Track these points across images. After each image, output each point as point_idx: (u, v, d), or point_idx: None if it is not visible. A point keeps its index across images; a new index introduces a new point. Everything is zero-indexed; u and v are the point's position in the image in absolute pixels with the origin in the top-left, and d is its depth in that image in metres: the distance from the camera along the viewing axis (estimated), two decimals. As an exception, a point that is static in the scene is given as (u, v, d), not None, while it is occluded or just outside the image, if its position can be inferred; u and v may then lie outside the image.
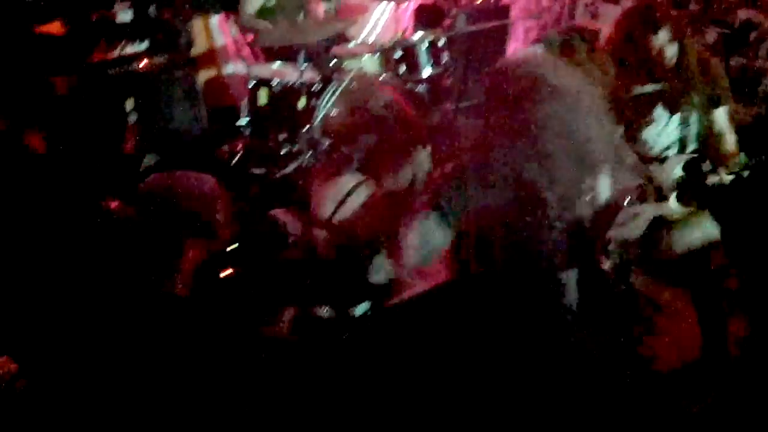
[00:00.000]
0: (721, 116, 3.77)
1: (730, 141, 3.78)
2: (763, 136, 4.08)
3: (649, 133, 3.79)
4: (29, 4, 4.20)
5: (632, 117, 3.74)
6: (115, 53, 4.82)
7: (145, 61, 4.98)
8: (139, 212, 2.37)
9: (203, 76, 6.00)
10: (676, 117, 3.75)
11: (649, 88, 3.72)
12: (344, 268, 2.90)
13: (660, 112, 3.76)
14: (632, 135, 3.77)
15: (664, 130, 3.79)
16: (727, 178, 3.26)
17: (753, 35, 5.25)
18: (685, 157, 3.67)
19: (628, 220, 2.47)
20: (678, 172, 3.67)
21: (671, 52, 3.62)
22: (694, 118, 3.75)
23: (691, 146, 3.81)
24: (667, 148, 3.80)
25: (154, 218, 2.32)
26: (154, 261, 2.31)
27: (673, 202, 3.16)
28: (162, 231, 2.31)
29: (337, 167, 3.29)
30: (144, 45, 4.97)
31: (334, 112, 5.10)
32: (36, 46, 4.07)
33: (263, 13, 5.58)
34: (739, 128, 3.81)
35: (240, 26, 5.90)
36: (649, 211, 2.60)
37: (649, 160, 3.71)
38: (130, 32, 4.90)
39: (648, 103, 3.75)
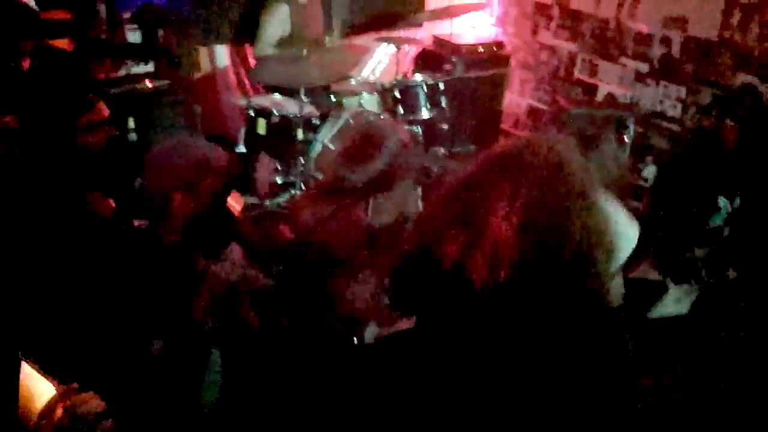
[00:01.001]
0: None
1: None
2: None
3: None
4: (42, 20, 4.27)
5: None
6: (121, 72, 4.90)
7: (149, 83, 5.05)
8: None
9: (203, 101, 6.09)
10: None
11: None
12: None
13: None
14: None
15: None
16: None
17: (749, 99, 5.34)
18: None
19: None
20: None
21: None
22: None
23: None
24: None
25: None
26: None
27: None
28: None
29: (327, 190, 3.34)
30: (149, 67, 5.05)
31: (330, 147, 5.16)
32: (45, 57, 4.12)
33: (279, 44, 5.71)
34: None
35: (244, 56, 5.98)
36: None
37: None
38: (136, 53, 4.97)
39: None
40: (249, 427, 2.70)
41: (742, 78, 5.39)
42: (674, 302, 3.95)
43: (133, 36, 5.01)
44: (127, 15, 5.29)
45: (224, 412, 2.63)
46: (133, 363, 2.42)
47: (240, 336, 2.71)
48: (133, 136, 4.69)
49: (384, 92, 5.74)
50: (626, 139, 5.53)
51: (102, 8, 5.14)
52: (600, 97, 6.47)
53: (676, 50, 5.83)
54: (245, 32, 5.93)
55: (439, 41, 6.89)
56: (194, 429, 2.57)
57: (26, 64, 4.14)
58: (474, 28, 7.45)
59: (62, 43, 4.49)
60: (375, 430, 2.29)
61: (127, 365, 2.41)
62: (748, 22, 5.31)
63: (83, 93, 3.81)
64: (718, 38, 5.51)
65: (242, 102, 5.78)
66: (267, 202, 5.33)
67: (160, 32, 5.09)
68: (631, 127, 5.58)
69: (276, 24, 5.65)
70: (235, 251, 2.73)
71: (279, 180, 5.38)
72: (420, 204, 5.52)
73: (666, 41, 5.89)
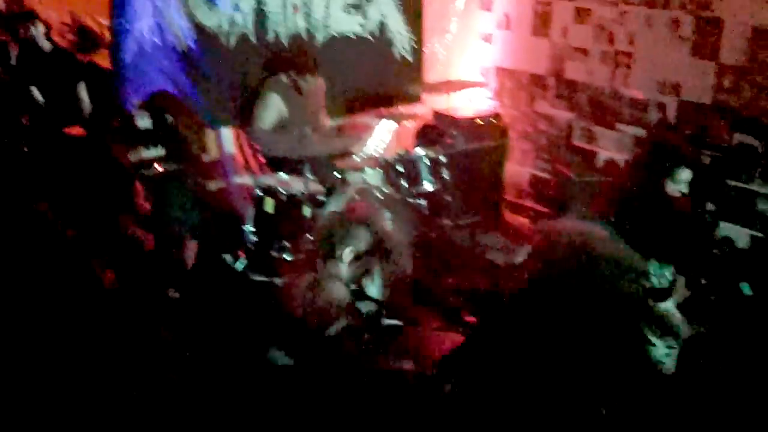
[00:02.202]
0: None
1: None
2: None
3: None
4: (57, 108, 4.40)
5: None
6: (133, 157, 5.01)
7: (160, 167, 5.16)
8: None
9: (212, 183, 6.19)
10: None
11: None
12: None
13: None
14: None
15: None
16: None
17: (747, 159, 5.44)
18: None
19: None
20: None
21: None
22: None
23: None
24: None
25: None
26: None
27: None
28: None
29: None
30: (160, 151, 5.16)
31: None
32: (61, 145, 4.25)
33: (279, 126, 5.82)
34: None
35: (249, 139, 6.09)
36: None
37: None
38: (147, 138, 5.09)
39: None
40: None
41: (740, 138, 5.49)
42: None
43: (143, 122, 5.14)
44: (137, 101, 5.46)
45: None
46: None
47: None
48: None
49: (387, 167, 5.84)
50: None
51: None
52: (600, 163, 6.58)
53: (671, 115, 5.96)
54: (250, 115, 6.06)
55: (438, 115, 7.04)
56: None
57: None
58: (472, 102, 7.61)
59: (76, 130, 4.63)
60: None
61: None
62: (740, 84, 5.45)
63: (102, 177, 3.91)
64: (712, 102, 5.64)
65: (249, 181, 5.88)
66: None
67: (170, 118, 5.22)
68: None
69: (268, 110, 5.78)
70: None
71: (288, 257, 5.43)
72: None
73: (661, 107, 6.02)
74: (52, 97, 5.52)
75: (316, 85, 6.02)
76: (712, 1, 5.58)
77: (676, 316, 3.98)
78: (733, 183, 5.45)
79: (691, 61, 5.76)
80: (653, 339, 3.87)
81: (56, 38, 6.70)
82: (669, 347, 3.92)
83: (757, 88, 5.37)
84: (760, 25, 5.31)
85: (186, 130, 5.17)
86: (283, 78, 5.84)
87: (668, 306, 3.95)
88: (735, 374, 4.27)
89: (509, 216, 7.33)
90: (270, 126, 5.77)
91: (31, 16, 6.32)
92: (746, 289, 4.21)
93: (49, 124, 4.74)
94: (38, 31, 6.22)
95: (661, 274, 4.02)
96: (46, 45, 6.29)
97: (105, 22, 5.96)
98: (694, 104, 5.80)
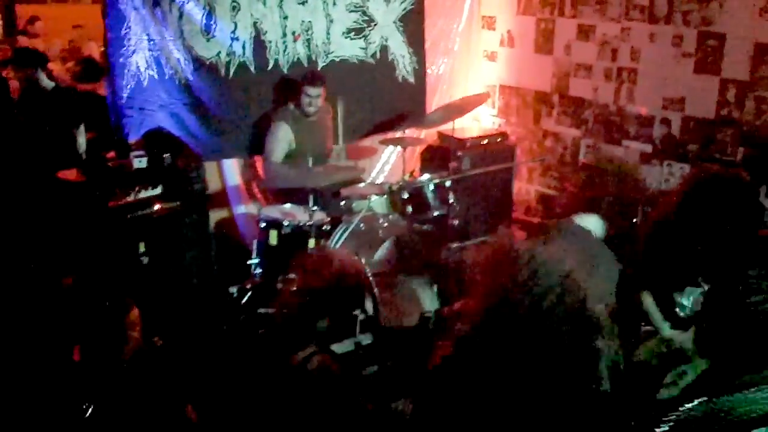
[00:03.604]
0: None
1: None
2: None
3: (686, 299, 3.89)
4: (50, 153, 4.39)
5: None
6: (131, 198, 4.97)
7: (158, 205, 5.13)
8: None
9: (215, 216, 6.17)
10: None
11: None
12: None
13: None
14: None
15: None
16: None
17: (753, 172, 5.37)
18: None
19: None
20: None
21: None
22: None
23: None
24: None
25: None
26: None
27: None
28: None
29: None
30: (158, 190, 5.13)
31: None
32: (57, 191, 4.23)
33: (287, 158, 5.80)
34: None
35: (255, 169, 6.06)
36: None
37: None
38: (145, 178, 5.06)
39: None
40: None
41: (745, 152, 5.44)
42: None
43: (140, 162, 5.11)
44: (133, 141, 5.44)
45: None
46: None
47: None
48: (144, 260, 4.74)
49: (392, 194, 5.79)
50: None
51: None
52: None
53: (676, 130, 5.90)
54: (255, 146, 6.05)
55: (443, 136, 6.98)
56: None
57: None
58: (477, 121, 7.57)
59: (71, 174, 4.61)
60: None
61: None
62: (744, 99, 5.39)
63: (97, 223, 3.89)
64: (716, 116, 5.58)
65: (254, 211, 5.86)
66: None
67: (167, 156, 5.19)
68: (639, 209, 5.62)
69: (280, 142, 5.77)
70: None
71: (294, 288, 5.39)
72: (436, 300, 5.53)
73: (666, 122, 5.96)
74: (49, 138, 5.51)
75: (323, 108, 6.01)
76: (714, 17, 5.52)
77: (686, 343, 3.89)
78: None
79: (694, 76, 5.70)
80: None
81: (57, 67, 6.73)
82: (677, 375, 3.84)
83: (761, 102, 5.31)
84: (762, 41, 5.27)
85: (184, 166, 5.15)
86: (291, 106, 5.83)
87: (674, 334, 3.86)
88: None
89: (518, 234, 7.26)
90: (282, 158, 5.76)
91: (45, 61, 6.33)
92: None
93: (44, 167, 4.73)
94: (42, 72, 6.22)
95: (680, 304, 3.90)
96: (48, 84, 6.29)
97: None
98: (698, 119, 5.73)
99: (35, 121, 5.77)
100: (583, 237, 3.85)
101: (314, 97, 5.76)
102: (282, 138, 5.79)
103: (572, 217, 3.99)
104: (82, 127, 5.47)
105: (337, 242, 5.31)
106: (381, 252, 5.30)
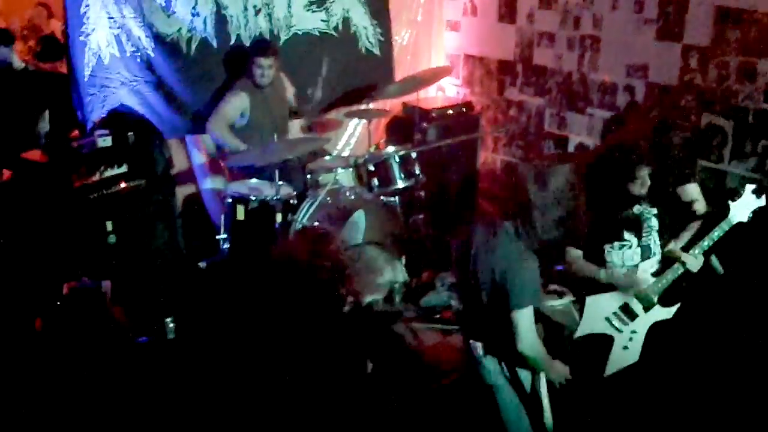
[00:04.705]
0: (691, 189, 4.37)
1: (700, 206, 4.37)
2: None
3: (616, 255, 3.98)
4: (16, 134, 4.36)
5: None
6: (96, 177, 4.94)
7: (124, 184, 5.10)
8: None
9: (182, 193, 6.13)
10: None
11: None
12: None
13: (628, 236, 3.96)
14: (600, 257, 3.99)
15: (630, 251, 3.98)
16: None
17: (716, 139, 5.44)
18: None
19: None
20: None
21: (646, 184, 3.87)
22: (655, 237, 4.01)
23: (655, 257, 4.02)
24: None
25: None
26: None
27: None
28: None
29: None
30: (123, 169, 5.09)
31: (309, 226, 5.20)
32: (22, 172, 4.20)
33: (237, 132, 5.75)
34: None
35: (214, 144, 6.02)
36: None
37: None
38: (109, 157, 5.02)
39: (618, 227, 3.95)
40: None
41: (709, 119, 5.48)
42: (622, 351, 3.98)
43: (104, 141, 5.06)
44: (96, 120, 5.39)
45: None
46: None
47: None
48: (112, 239, 4.72)
49: (358, 167, 5.80)
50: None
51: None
52: (571, 148, 6.56)
53: (640, 97, 5.94)
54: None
55: (408, 108, 6.98)
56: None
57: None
58: (441, 92, 7.57)
59: (35, 155, 4.57)
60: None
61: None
62: (707, 64, 5.42)
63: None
64: (679, 82, 5.61)
65: (220, 187, 5.84)
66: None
67: (131, 134, 5.15)
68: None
69: (234, 105, 5.71)
70: None
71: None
72: (405, 272, 5.58)
73: (629, 89, 5.99)
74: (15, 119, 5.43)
75: (281, 81, 5.97)
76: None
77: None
78: (703, 163, 5.45)
79: (657, 42, 5.73)
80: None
81: (19, 46, 6.59)
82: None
83: (723, 68, 5.35)
84: (724, 5, 5.28)
85: (148, 144, 5.11)
86: (250, 80, 5.78)
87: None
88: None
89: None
90: (230, 121, 5.69)
91: (13, 40, 6.20)
92: (716, 263, 4.20)
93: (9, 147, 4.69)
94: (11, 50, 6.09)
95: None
96: (19, 65, 6.17)
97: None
98: (661, 85, 5.77)
99: (4, 101, 5.68)
100: None
101: (266, 67, 5.68)
102: (235, 104, 5.70)
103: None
104: (46, 113, 5.41)
105: (303, 216, 5.33)
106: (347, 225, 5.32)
